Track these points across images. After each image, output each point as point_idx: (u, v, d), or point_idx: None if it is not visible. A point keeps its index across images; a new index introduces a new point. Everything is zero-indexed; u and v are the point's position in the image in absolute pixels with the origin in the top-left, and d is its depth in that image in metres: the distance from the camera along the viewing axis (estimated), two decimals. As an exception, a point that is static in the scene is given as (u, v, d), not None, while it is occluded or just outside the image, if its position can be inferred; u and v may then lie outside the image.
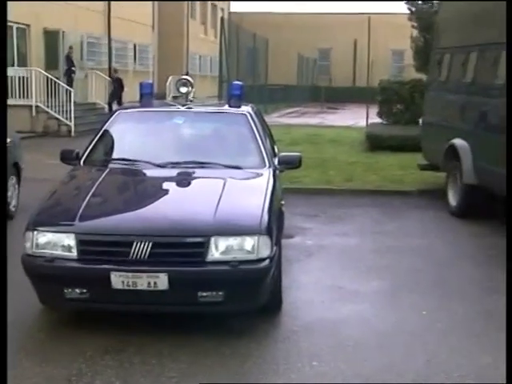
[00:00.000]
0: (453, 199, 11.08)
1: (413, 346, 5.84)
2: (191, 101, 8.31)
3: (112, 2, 31.61)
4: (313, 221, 10.34)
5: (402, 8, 22.08)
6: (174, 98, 8.13)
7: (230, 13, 57.88)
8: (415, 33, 21.75)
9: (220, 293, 5.55)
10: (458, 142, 10.86)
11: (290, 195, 10.58)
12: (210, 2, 59.25)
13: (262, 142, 7.49)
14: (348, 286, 7.35)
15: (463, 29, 11.84)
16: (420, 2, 21.43)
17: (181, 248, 5.58)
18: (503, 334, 6.07)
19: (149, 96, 8.43)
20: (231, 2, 65.66)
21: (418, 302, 6.92)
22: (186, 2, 50.69)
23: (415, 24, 21.48)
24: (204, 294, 5.55)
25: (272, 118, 28.65)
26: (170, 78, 35.25)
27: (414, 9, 21.49)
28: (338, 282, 7.50)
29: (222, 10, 61.07)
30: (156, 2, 44.14)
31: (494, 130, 10.12)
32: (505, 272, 7.91)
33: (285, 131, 21.51)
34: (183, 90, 8.24)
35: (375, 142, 17.45)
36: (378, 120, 20.81)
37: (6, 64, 8.62)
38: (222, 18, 31.86)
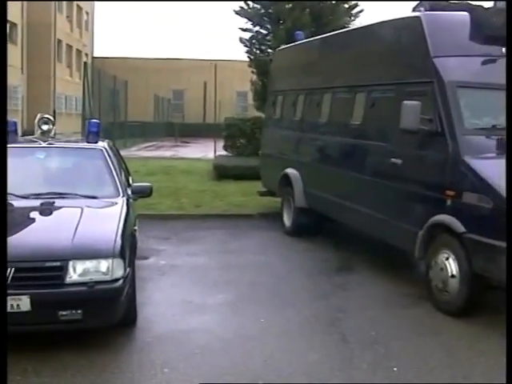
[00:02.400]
0: (287, 220, 11.33)
1: (252, 349, 5.92)
2: (53, 137, 8.19)
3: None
4: (166, 243, 10.28)
5: (244, 56, 22.35)
6: (42, 133, 7.97)
7: (93, 57, 57.27)
8: (254, 77, 22.12)
9: (79, 311, 5.45)
10: (291, 171, 11.16)
11: (146, 221, 10.54)
12: (75, 48, 58.46)
13: (117, 174, 7.48)
14: (196, 300, 7.34)
15: (291, 75, 12.24)
16: (258, 52, 21.85)
17: (41, 272, 5.44)
18: (328, 336, 6.32)
19: (13, 133, 8.19)
20: (94, 48, 65.02)
21: (257, 310, 7.00)
22: (52, 47, 49.80)
23: (254, 70, 21.87)
24: (64, 312, 5.43)
25: (131, 152, 28.42)
26: (38, 115, 34.13)
27: (252, 57, 21.90)
28: (188, 296, 7.48)
29: (86, 55, 60.37)
30: (24, 46, 43.03)
31: (320, 161, 10.49)
32: (330, 281, 8.23)
33: (142, 163, 21.35)
34: (45, 127, 8.13)
35: (221, 172, 17.57)
36: (224, 152, 20.96)
37: (6, 64, 8.10)
38: (85, 63, 31.46)
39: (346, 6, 21.82)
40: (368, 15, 30.59)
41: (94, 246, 5.66)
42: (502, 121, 7.37)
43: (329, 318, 6.85)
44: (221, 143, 21.33)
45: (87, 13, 63.31)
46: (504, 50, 7.77)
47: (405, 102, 7.43)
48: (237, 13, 22.09)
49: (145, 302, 6.96)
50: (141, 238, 8.87)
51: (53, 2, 50.88)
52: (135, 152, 29.15)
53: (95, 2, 64.26)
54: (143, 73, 55.15)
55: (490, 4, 7.91)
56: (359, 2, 22.04)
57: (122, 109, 35.22)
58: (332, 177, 9.87)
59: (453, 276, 6.85)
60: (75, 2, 58.51)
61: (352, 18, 21.87)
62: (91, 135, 8.27)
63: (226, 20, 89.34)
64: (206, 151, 27.14)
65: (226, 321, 6.75)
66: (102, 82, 29.45)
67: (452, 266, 6.86)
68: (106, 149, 7.88)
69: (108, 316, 5.68)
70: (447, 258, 6.93)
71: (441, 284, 7.02)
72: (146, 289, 7.52)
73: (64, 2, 55.36)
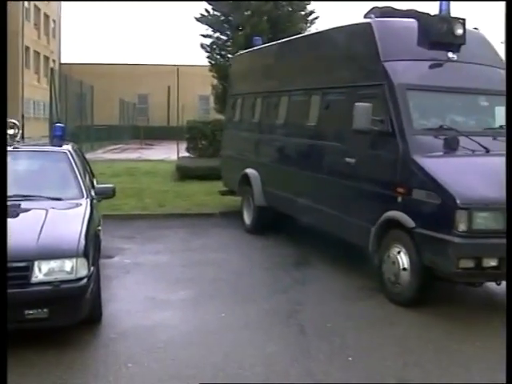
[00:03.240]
0: (247, 219, 11.32)
1: (213, 343, 5.89)
2: (18, 141, 8.08)
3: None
4: (131, 242, 10.18)
5: (206, 61, 22.27)
6: (11, 137, 7.87)
7: (60, 64, 56.63)
8: (215, 81, 22.08)
9: (45, 310, 5.38)
10: (250, 171, 11.15)
11: (111, 221, 10.42)
12: (42, 54, 57.81)
13: (81, 176, 7.41)
14: (160, 297, 7.29)
15: (249, 79, 12.25)
16: (218, 57, 21.81)
17: (8, 272, 5.35)
18: (286, 328, 6.32)
19: None
20: (61, 54, 64.30)
21: (219, 306, 6.97)
22: (20, 53, 49.18)
23: (215, 74, 21.84)
24: (30, 311, 5.35)
25: (98, 154, 28.20)
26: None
27: (213, 62, 21.86)
28: (151, 293, 7.42)
29: (54, 61, 59.67)
30: (-10, 53, 42.33)
31: (278, 161, 10.51)
32: (288, 275, 8.25)
33: (108, 165, 21.15)
34: (10, 131, 7.98)
35: (184, 173, 17.48)
36: (186, 154, 20.87)
37: (6, 64, 7.89)
38: (52, 69, 31.07)
39: (302, 13, 21.93)
40: (323, 22, 30.74)
41: (58, 247, 5.58)
42: (448, 121, 7.50)
43: (287, 311, 6.85)
44: (184, 145, 21.24)
45: (54, 21, 62.62)
46: (449, 54, 7.88)
47: (357, 103, 7.48)
48: (198, 20, 22.04)
49: (110, 300, 6.88)
50: (106, 238, 8.78)
51: (20, 11, 50.20)
52: (102, 154, 28.89)
53: (62, 11, 63.62)
54: (109, 78, 54.65)
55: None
56: (315, 9, 22.22)
57: (88, 113, 34.93)
58: (289, 176, 9.89)
59: (404, 269, 6.91)
60: (42, 11, 57.84)
61: (308, 25, 21.99)
62: (56, 139, 8.18)
63: (188, 27, 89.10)
64: (170, 153, 26.99)
65: (188, 316, 6.71)
66: (68, 87, 29.19)
67: (403, 260, 6.92)
68: (70, 152, 7.79)
69: (73, 314, 5.61)
70: (399, 252, 6.99)
71: (393, 277, 7.08)
72: (111, 287, 7.45)
73: (31, 10, 54.70)
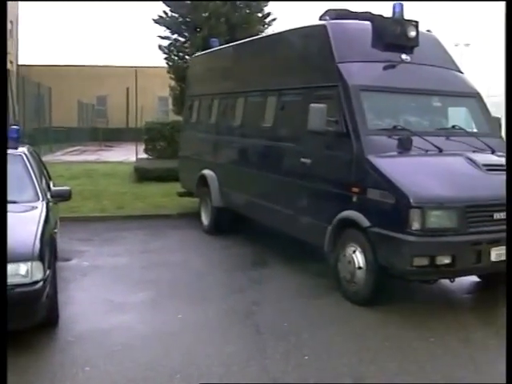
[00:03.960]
0: (205, 219, 11.28)
1: (171, 344, 5.87)
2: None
3: None
4: (89, 244, 10.07)
5: (164, 62, 22.09)
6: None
7: (18, 65, 55.69)
8: (173, 83, 21.94)
9: None
10: (207, 172, 11.12)
11: (69, 223, 10.34)
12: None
13: (36, 179, 7.30)
14: (118, 299, 7.22)
15: (206, 80, 12.22)
16: (176, 58, 21.68)
17: None
18: (244, 328, 6.32)
19: None
20: (19, 56, 63.30)
21: (177, 307, 6.94)
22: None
23: (173, 76, 21.70)
24: None
25: (56, 156, 27.83)
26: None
27: (171, 63, 21.72)
28: (110, 296, 7.35)
29: (11, 62, 58.62)
30: None
31: (235, 162, 10.51)
32: (245, 275, 8.24)
33: (66, 167, 20.92)
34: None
35: (142, 174, 17.37)
36: (145, 156, 20.73)
37: (6, 64, 7.68)
38: (8, 70, 30.53)
39: (260, 14, 21.94)
40: (281, 23, 30.79)
41: (13, 250, 5.45)
42: (402, 122, 7.59)
43: (244, 310, 6.85)
44: (142, 147, 21.09)
45: (11, 22, 61.61)
46: (403, 56, 7.98)
47: (312, 104, 7.51)
48: (156, 21, 21.85)
49: (67, 302, 6.81)
50: (63, 241, 8.71)
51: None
52: (60, 157, 28.51)
53: (19, 12, 62.64)
54: (67, 79, 53.92)
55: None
56: (272, 11, 22.27)
57: (46, 115, 34.45)
58: (246, 177, 9.89)
59: (359, 268, 6.96)
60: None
61: (265, 26, 22.00)
62: (11, 141, 8.04)
63: (146, 28, 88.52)
64: (128, 155, 26.76)
65: (147, 318, 6.66)
66: (26, 88, 28.75)
67: (359, 259, 6.97)
68: (25, 154, 7.66)
69: (30, 317, 5.53)
70: (354, 251, 7.04)
71: (349, 275, 7.12)
72: (68, 289, 7.37)
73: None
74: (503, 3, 7.71)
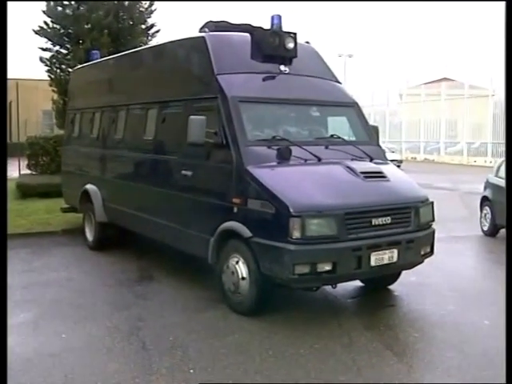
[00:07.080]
0: (90, 235, 11.07)
1: (53, 365, 5.70)
2: None
3: None
4: (-35, 266, 9.63)
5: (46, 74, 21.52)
6: None
7: None
8: (56, 96, 21.41)
9: None
10: (90, 187, 10.93)
11: None
12: None
13: None
14: (-4, 322, 6.95)
15: (88, 94, 12.03)
16: (58, 71, 21.17)
17: None
18: (128, 345, 6.22)
19: None
20: None
21: (59, 327, 6.76)
22: None
23: (55, 89, 21.19)
24: None
25: None
26: None
27: (53, 76, 21.20)
28: (-13, 318, 7.07)
29: None
30: None
31: (117, 176, 10.37)
32: (131, 291, 8.12)
33: None
34: None
35: (25, 191, 16.87)
36: (28, 171, 20.10)
37: (6, 66, 6.99)
38: None
39: (143, 26, 21.83)
40: (165, 35, 30.67)
41: None
42: (281, 132, 7.69)
43: (129, 327, 6.74)
44: (26, 162, 20.44)
45: None
46: (282, 67, 8.11)
47: (191, 116, 7.50)
48: (36, 32, 21.28)
49: None
50: None
51: None
52: None
53: None
54: None
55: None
56: (156, 23, 22.20)
57: None
58: (129, 191, 9.78)
59: (243, 278, 7.00)
60: None
61: (149, 38, 21.93)
62: None
63: (27, 39, 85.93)
64: (11, 170, 25.75)
65: (28, 339, 6.45)
66: None
67: (242, 269, 7.01)
68: None
69: None
70: (237, 262, 7.07)
71: (233, 286, 7.15)
72: None
73: None
74: (384, 13, 8.03)
